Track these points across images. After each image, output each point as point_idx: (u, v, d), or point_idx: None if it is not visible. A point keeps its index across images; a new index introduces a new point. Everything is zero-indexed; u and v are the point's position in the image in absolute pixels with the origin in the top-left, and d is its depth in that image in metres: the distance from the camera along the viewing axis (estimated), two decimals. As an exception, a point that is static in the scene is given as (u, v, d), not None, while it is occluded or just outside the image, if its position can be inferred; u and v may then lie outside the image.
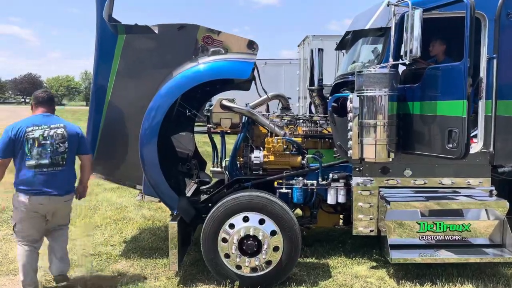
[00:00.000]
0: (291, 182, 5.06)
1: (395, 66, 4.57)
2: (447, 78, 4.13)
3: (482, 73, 4.59)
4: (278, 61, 20.90)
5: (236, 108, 5.13)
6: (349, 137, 4.57)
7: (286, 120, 5.53)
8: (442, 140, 4.15)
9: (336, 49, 6.52)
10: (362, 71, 4.41)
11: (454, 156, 4.05)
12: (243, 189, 4.89)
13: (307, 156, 5.16)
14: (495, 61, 4.50)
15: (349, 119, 4.56)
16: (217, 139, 5.73)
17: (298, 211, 5.65)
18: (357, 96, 4.44)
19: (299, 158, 5.18)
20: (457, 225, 4.69)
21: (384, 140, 4.39)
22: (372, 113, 4.37)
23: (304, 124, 5.47)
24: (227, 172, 5.29)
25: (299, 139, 5.30)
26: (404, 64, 4.34)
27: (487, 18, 4.55)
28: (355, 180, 4.87)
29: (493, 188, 4.81)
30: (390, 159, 4.48)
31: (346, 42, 5.88)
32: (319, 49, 5.99)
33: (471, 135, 4.91)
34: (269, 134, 5.23)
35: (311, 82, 5.97)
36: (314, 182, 5.06)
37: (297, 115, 5.62)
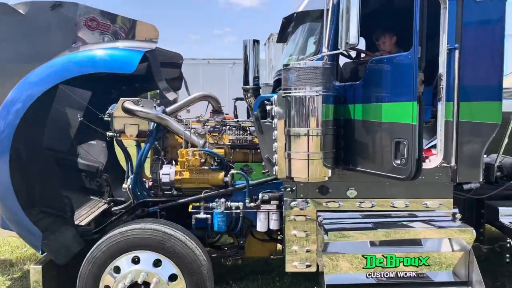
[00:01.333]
0: (211, 205, 4.04)
1: (332, 59, 3.60)
2: (392, 73, 3.17)
3: (442, 68, 3.65)
4: (221, 61, 19.15)
5: (140, 112, 4.06)
6: (274, 149, 3.57)
7: (209, 127, 4.49)
8: (388, 154, 3.18)
9: (278, 41, 5.51)
10: (288, 64, 3.42)
11: (402, 175, 3.09)
12: (141, 218, 3.84)
13: (232, 171, 4.13)
14: (457, 52, 3.57)
15: (273, 126, 3.56)
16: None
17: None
18: (283, 97, 3.44)
19: (221, 174, 4.15)
20: (412, 259, 3.74)
21: (318, 154, 3.40)
22: (301, 119, 3.38)
23: (232, 132, 4.44)
24: (131, 193, 4.21)
25: (221, 151, 4.27)
26: (343, 55, 3.36)
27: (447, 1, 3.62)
28: (287, 203, 3.87)
29: (456, 210, 3.89)
30: (326, 178, 3.50)
31: (285, 32, 4.88)
32: (254, 41, 4.96)
33: (430, 145, 3.99)
34: (184, 144, 4.19)
35: (245, 81, 4.93)
36: (240, 204, 4.05)
37: (224, 120, 4.58)
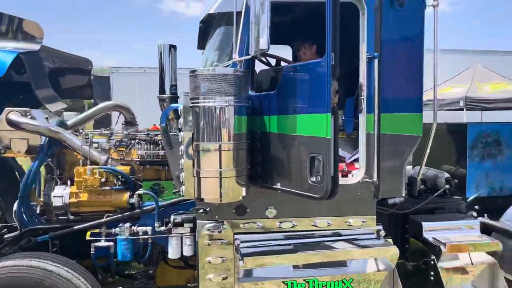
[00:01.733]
0: (113, 230, 3.52)
1: (248, 66, 3.28)
2: (305, 82, 2.90)
3: (362, 78, 3.46)
4: (131, 70, 17.94)
5: (27, 125, 3.48)
6: (180, 166, 3.16)
7: (115, 140, 3.97)
8: (304, 171, 2.89)
9: (198, 47, 5.13)
10: (195, 71, 3.03)
11: (318, 194, 2.80)
12: (26, 251, 3.24)
13: (139, 191, 3.65)
14: (376, 61, 3.39)
15: (180, 140, 3.15)
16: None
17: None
18: (190, 107, 3.05)
19: (126, 195, 3.65)
20: (336, 282, 3.47)
21: (230, 171, 3.04)
22: (211, 132, 2.99)
23: (141, 146, 3.96)
24: (16, 219, 3.58)
25: (127, 168, 3.77)
26: (263, 62, 3.05)
27: (366, 6, 3.44)
28: (200, 225, 3.45)
29: (380, 227, 3.69)
30: (241, 197, 3.15)
31: (203, 37, 4.51)
32: (170, 46, 4.53)
33: (353, 159, 3.78)
34: (82, 161, 3.64)
35: (161, 89, 4.48)
36: (149, 228, 3.57)
37: (132, 133, 4.08)
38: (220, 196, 3.06)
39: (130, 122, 4.53)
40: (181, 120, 3.12)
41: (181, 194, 3.22)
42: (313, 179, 2.81)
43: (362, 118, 3.49)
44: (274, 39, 4.88)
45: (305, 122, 2.86)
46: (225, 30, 3.66)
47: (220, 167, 3.03)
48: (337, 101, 2.68)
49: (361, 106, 3.49)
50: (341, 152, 3.89)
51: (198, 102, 2.99)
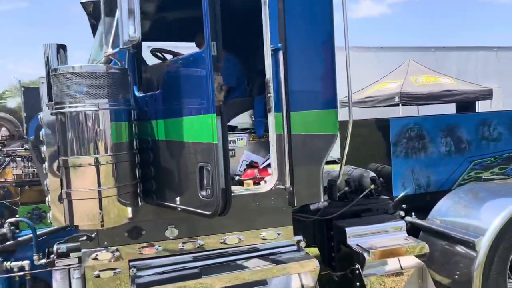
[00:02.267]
0: (-21, 269, 2.90)
1: (132, 63, 2.79)
2: (187, 78, 2.46)
3: (268, 73, 3.08)
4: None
5: None
6: (46, 187, 2.61)
7: (-15, 159, 3.33)
8: (194, 184, 2.44)
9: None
10: (56, 69, 2.50)
11: (208, 211, 2.37)
12: None
13: (10, 220, 3.04)
14: (281, 54, 3.02)
15: (43, 155, 2.60)
16: None
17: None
18: (54, 114, 2.51)
19: (-6, 224, 3.03)
20: (252, 305, 3.05)
21: (111, 189, 2.52)
22: (82, 144, 2.47)
23: (17, 164, 3.34)
24: None
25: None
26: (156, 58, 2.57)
27: (266, -8, 3.07)
28: (85, 255, 2.90)
29: (300, 237, 3.32)
30: (127, 220, 2.64)
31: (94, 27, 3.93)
32: (58, 46, 3.91)
33: (266, 164, 3.39)
34: None
35: (49, 97, 3.85)
36: (27, 263, 2.98)
37: (8, 149, 3.45)
38: (101, 221, 2.54)
39: (14, 136, 3.88)
40: (43, 131, 2.57)
41: (48, 220, 2.66)
42: (203, 193, 2.37)
43: (271, 118, 3.11)
44: (179, 36, 4.54)
45: (190, 125, 2.42)
46: (107, 20, 3.14)
47: (99, 185, 2.51)
48: (222, 99, 2.25)
49: (269, 105, 3.11)
50: (254, 157, 3.51)
51: (63, 108, 2.45)
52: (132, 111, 2.71)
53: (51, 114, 2.48)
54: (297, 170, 3.11)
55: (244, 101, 3.51)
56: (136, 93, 2.84)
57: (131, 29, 2.28)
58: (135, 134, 2.76)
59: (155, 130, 2.69)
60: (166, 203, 2.64)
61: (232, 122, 3.47)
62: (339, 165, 3.53)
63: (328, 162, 3.39)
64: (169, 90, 2.56)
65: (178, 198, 2.56)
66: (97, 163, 2.50)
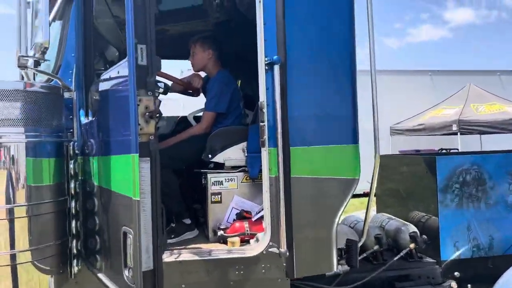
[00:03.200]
0: None
1: (79, 81, 2.12)
2: (113, 99, 1.74)
3: (263, 94, 2.29)
4: None
5: None
6: None
7: None
8: (118, 256, 1.67)
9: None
10: None
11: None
12: None
13: None
14: (277, 69, 2.22)
15: None
16: None
17: None
18: None
19: None
20: None
21: (25, 254, 1.82)
22: (-17, 187, 1.80)
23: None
24: None
25: None
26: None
27: (261, -11, 2.31)
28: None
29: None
30: (44, 295, 1.91)
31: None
32: None
33: (259, 215, 2.56)
34: None
35: None
36: None
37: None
38: (11, 294, 1.83)
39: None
40: None
41: None
42: (126, 272, 1.58)
43: (264, 154, 2.30)
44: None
45: (114, 169, 1.66)
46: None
47: (11, 248, 1.82)
48: (152, 132, 1.49)
49: (262, 137, 2.30)
50: (247, 205, 2.68)
51: (-40, 139, 1.81)
52: (67, 143, 2.02)
53: None
54: (299, 228, 2.26)
55: (235, 131, 2.74)
56: (83, 119, 2.15)
57: (40, 35, 1.59)
58: (73, 173, 2.05)
59: (91, 170, 1.97)
60: (97, 274, 1.88)
61: (220, 158, 2.69)
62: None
63: (355, 195, 2.53)
64: (99, 115, 1.86)
65: (105, 271, 1.80)
66: (9, 217, 1.82)
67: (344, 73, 2.41)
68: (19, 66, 1.75)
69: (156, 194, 1.50)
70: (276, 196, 2.23)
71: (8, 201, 1.82)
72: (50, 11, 2.17)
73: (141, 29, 1.48)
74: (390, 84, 9.80)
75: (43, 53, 1.66)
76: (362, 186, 2.61)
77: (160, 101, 2.88)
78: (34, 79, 2.20)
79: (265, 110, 2.27)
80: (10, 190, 1.83)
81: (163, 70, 2.96)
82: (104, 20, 3.24)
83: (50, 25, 1.98)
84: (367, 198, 2.63)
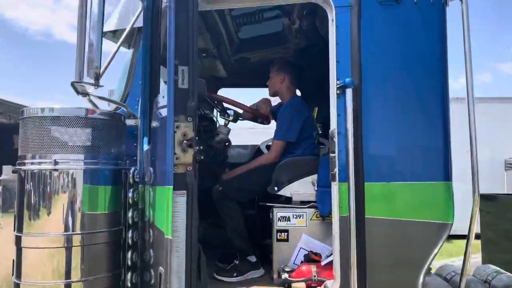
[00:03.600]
0: None
1: (145, 108, 2.09)
2: (160, 126, 1.62)
3: (333, 122, 2.04)
4: None
5: None
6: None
7: None
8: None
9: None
10: (23, 111, 1.92)
11: None
12: None
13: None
14: (349, 93, 1.96)
15: None
16: None
17: None
18: (14, 172, 1.91)
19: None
20: None
21: (77, 285, 1.77)
22: (38, 216, 1.80)
23: None
24: None
25: None
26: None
27: (334, 5, 2.10)
28: None
29: None
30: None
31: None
32: None
33: (330, 259, 2.26)
34: None
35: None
36: None
37: None
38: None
39: None
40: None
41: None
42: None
43: (334, 190, 2.02)
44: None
45: (156, 200, 1.53)
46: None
47: (62, 277, 1.79)
48: (190, 162, 1.32)
49: (332, 170, 2.03)
50: (317, 245, 2.39)
51: (24, 164, 1.85)
52: (126, 171, 1.97)
53: (12, 171, 1.89)
54: (373, 279, 1.91)
55: (305, 162, 2.48)
56: (145, 146, 2.10)
57: (93, 59, 1.57)
58: (132, 202, 1.99)
59: (148, 199, 1.88)
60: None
61: (287, 192, 2.44)
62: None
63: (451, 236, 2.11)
64: (152, 142, 1.77)
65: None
66: (61, 245, 1.80)
67: (433, 99, 2.06)
68: (80, 93, 1.76)
69: (192, 233, 1.32)
70: (347, 239, 1.92)
71: (61, 228, 1.80)
72: (119, 39, 2.22)
73: (183, 50, 1.36)
74: (505, 113, 8.64)
75: (97, 78, 1.64)
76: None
77: (229, 129, 2.80)
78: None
79: (336, 139, 2.01)
80: (65, 218, 1.81)
81: (238, 98, 2.89)
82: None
83: (115, 53, 1.99)
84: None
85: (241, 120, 2.93)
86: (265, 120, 2.97)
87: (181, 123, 1.33)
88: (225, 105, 2.73)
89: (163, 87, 1.76)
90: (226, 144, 2.78)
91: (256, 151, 3.40)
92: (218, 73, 4.12)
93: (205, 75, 4.28)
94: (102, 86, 1.67)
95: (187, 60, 1.35)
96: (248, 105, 2.89)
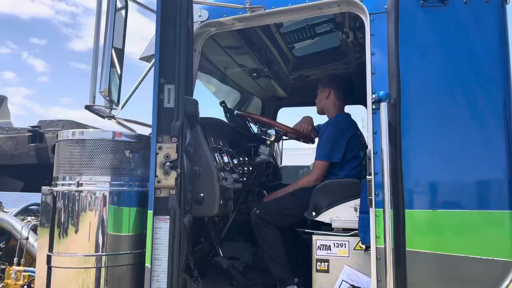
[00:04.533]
0: None
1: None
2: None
3: (369, 140, 1.83)
4: None
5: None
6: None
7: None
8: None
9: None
10: (58, 134, 2.01)
11: None
12: None
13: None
14: (384, 107, 1.74)
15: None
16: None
17: None
18: (48, 193, 1.99)
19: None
20: None
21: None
22: (70, 236, 1.86)
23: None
24: None
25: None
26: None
27: (368, 11, 1.91)
28: None
29: None
30: None
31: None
32: None
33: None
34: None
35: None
36: None
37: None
38: None
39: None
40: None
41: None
42: None
43: (371, 217, 1.79)
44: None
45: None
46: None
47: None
48: (172, 185, 1.22)
49: (370, 194, 1.81)
50: (361, 279, 2.13)
51: (56, 185, 1.93)
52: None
53: (47, 191, 1.99)
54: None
55: (346, 185, 2.24)
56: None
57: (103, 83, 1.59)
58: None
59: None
60: None
61: (326, 217, 2.23)
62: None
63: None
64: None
65: None
66: (81, 266, 1.83)
67: (492, 112, 1.75)
68: (106, 117, 1.80)
69: (174, 262, 1.22)
70: (383, 275, 1.68)
71: (87, 249, 1.83)
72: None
73: (169, 67, 1.29)
74: None
75: (110, 101, 1.66)
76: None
77: (271, 149, 2.68)
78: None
79: (372, 160, 1.79)
80: (90, 238, 1.83)
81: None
82: (233, 70, 3.30)
83: (143, 78, 2.02)
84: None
85: (284, 139, 2.80)
86: (309, 140, 2.80)
87: (164, 144, 1.27)
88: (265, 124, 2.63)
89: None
90: (268, 164, 2.66)
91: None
92: (277, 92, 4.05)
93: (265, 96, 4.25)
94: (116, 109, 1.69)
95: (173, 78, 1.29)
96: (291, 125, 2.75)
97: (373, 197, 1.77)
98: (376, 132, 1.79)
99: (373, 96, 1.80)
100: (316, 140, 2.77)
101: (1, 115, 5.00)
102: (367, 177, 1.81)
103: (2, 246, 3.08)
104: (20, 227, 2.90)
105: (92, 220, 1.84)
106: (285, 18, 2.19)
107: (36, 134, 4.61)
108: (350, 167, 2.37)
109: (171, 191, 1.24)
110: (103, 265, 1.83)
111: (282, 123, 2.70)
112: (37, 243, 2.11)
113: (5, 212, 3.17)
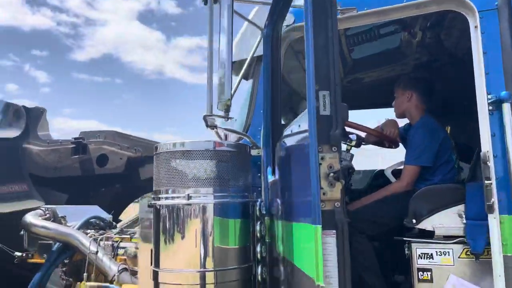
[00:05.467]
0: None
1: (267, 139, 2.03)
2: (295, 156, 1.49)
3: (486, 144, 1.75)
4: None
5: (37, 228, 2.95)
6: None
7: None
8: None
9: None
10: (157, 147, 1.96)
11: None
12: None
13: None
14: (507, 107, 1.66)
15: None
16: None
17: None
18: (150, 206, 1.93)
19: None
20: None
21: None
22: (174, 250, 1.80)
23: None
24: None
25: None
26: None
27: (477, 9, 1.84)
28: None
29: None
30: None
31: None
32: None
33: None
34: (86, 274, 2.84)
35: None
36: None
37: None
38: None
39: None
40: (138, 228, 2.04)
41: None
42: None
43: (493, 224, 1.71)
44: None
45: (296, 238, 1.39)
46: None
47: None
48: (338, 197, 1.14)
49: (488, 200, 1.72)
50: (464, 286, 2.04)
51: (159, 198, 1.87)
52: (253, 203, 1.90)
53: (148, 205, 1.93)
54: None
55: (447, 191, 2.15)
56: (269, 177, 2.02)
57: (225, 91, 1.54)
58: (260, 236, 1.90)
59: (276, 234, 1.78)
60: None
61: (428, 225, 2.14)
62: None
63: None
64: (282, 174, 1.66)
65: None
66: (193, 282, 1.77)
67: None
68: (209, 126, 1.75)
69: (345, 279, 1.15)
70: (514, 285, 1.59)
71: (195, 264, 1.77)
72: (240, 70, 2.21)
73: (324, 73, 1.23)
74: None
75: (227, 111, 1.60)
76: None
77: (352, 155, 2.60)
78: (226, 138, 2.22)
79: (491, 163, 1.70)
80: (198, 253, 1.77)
81: (355, 120, 2.70)
82: (298, 75, 3.23)
83: (238, 84, 1.96)
84: None
85: (364, 144, 2.72)
86: (392, 144, 2.72)
87: (326, 154, 1.20)
88: (347, 129, 2.55)
89: (295, 116, 1.67)
90: (350, 171, 2.58)
91: (379, 175, 3.14)
92: (330, 96, 3.98)
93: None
94: (232, 118, 1.64)
95: (328, 84, 1.23)
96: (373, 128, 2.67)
97: (493, 203, 1.69)
98: (494, 135, 1.71)
99: (490, 97, 1.72)
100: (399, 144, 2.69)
101: (40, 127, 4.97)
102: (485, 182, 1.73)
103: (66, 262, 3.06)
104: (88, 242, 2.87)
105: (199, 234, 1.79)
106: (377, 19, 2.12)
107: (80, 145, 4.60)
108: (443, 172, 2.28)
109: (335, 204, 1.17)
110: (213, 281, 1.77)
111: (369, 127, 2.63)
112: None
113: (68, 226, 3.14)
